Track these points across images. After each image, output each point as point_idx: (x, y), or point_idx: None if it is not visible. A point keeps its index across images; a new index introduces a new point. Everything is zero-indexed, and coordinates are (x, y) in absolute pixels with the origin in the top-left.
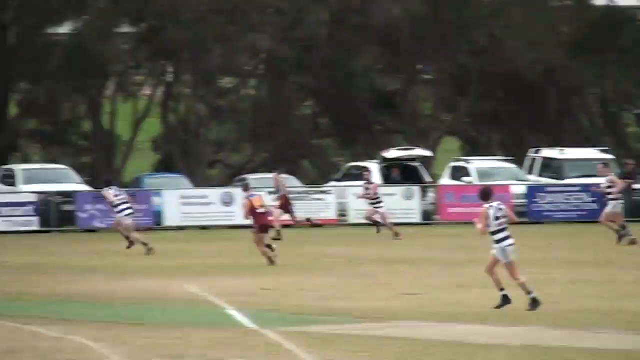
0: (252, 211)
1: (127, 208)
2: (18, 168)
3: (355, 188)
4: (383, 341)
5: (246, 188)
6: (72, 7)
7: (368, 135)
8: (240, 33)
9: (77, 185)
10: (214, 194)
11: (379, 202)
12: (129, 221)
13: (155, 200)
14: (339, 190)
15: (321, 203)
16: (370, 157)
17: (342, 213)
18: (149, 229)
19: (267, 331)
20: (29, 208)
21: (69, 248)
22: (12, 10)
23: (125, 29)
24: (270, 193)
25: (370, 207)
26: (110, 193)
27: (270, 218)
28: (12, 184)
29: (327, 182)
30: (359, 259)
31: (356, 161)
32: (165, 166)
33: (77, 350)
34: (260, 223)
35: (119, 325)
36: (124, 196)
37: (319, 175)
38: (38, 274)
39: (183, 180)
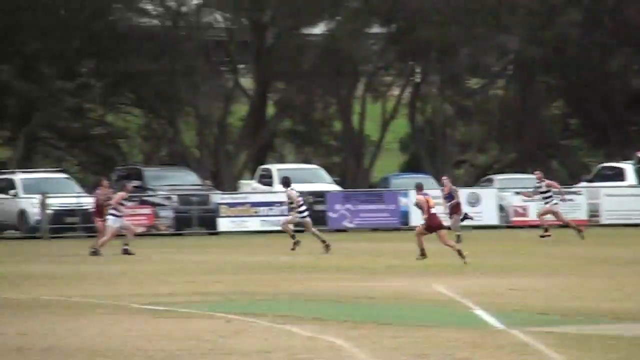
0: (428, 209)
1: (306, 209)
2: (274, 168)
3: (607, 189)
4: (636, 341)
5: (420, 188)
6: (327, 8)
7: (622, 135)
8: (489, 33)
9: (328, 185)
10: (459, 194)
11: (549, 199)
12: (308, 220)
13: (402, 200)
14: (591, 190)
15: (572, 203)
16: (625, 158)
17: (594, 214)
18: (396, 229)
19: (515, 331)
20: (285, 208)
21: (318, 247)
22: (270, 10)
23: (375, 29)
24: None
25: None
26: (294, 193)
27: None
28: (270, 184)
29: (577, 183)
30: (612, 259)
31: (609, 161)
32: (411, 166)
33: (327, 349)
34: (432, 223)
35: (366, 324)
36: (302, 197)
37: (567, 175)
38: (292, 272)
39: (429, 181)
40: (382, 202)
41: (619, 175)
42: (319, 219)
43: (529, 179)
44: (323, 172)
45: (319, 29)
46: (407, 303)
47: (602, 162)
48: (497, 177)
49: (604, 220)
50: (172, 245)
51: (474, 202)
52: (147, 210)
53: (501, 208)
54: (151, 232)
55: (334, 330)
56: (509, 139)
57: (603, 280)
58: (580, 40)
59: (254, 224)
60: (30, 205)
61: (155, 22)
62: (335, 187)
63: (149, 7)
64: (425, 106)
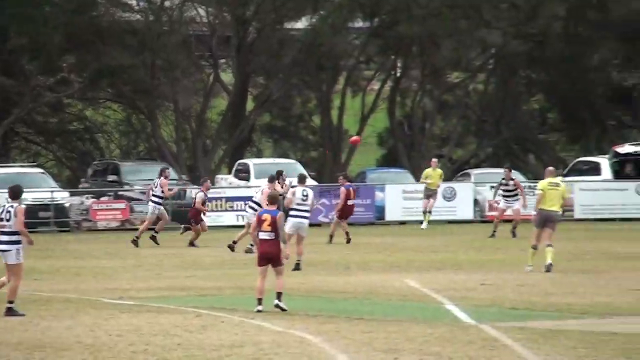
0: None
1: None
2: (251, 162)
3: (581, 183)
4: (606, 337)
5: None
6: (310, 2)
7: (600, 130)
8: (472, 28)
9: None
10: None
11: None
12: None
13: (378, 195)
14: (565, 185)
15: None
16: (602, 152)
17: (568, 208)
18: (371, 224)
19: (485, 326)
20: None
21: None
22: (253, 5)
23: (358, 24)
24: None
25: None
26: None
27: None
28: (246, 179)
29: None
30: (584, 253)
31: (586, 156)
32: (389, 161)
33: (297, 344)
34: (347, 213)
35: (338, 319)
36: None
37: (544, 170)
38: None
39: (406, 175)
40: (357, 196)
41: (594, 169)
42: None
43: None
44: (299, 167)
45: (301, 23)
46: (379, 298)
47: (579, 157)
48: (474, 172)
49: (577, 214)
50: (145, 240)
51: (450, 196)
52: (122, 205)
53: (476, 202)
54: (125, 226)
55: (305, 325)
56: (487, 134)
57: (575, 276)
58: (563, 34)
59: (229, 218)
60: (5, 200)
61: (137, 16)
62: (312, 182)
63: (132, 1)
64: (404, 101)
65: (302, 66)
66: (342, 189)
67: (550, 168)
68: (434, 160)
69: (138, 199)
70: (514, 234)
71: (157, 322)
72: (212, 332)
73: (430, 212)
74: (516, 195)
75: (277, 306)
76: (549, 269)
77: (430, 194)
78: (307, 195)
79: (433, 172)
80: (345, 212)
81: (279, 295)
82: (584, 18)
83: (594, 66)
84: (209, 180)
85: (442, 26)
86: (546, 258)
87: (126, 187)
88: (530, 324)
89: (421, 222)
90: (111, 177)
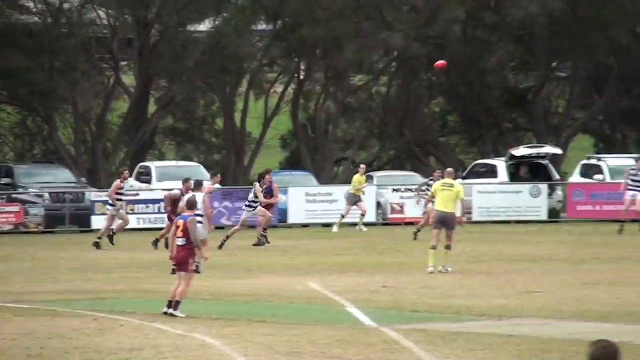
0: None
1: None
2: (153, 165)
3: (480, 185)
4: (502, 339)
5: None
6: (213, 4)
7: (497, 132)
8: (374, 30)
9: (206, 182)
10: (338, 191)
11: None
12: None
13: (281, 197)
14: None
15: None
16: (498, 155)
17: (467, 210)
18: (273, 227)
19: (386, 329)
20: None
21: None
22: (155, 7)
23: (262, 26)
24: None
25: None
26: (258, 188)
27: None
28: (148, 181)
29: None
30: (482, 255)
31: (484, 158)
32: (292, 163)
33: (197, 347)
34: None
35: (240, 322)
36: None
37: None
38: (165, 270)
39: (309, 178)
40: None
41: (491, 172)
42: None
43: (407, 176)
44: (202, 170)
45: (204, 26)
46: (281, 301)
47: (477, 159)
48: (376, 174)
49: (475, 217)
50: (41, 244)
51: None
52: (15, 208)
53: (378, 205)
54: (19, 229)
55: (206, 328)
56: (389, 136)
57: (473, 278)
58: (462, 37)
59: (131, 221)
60: None
61: (35, 18)
62: (217, 185)
63: (30, 3)
64: (308, 103)
65: (205, 69)
66: (275, 185)
67: (449, 169)
68: (362, 166)
69: (33, 202)
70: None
71: (53, 325)
72: (111, 335)
73: (344, 216)
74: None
75: (166, 313)
76: (441, 269)
77: (356, 200)
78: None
79: (361, 178)
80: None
81: (176, 304)
82: (481, 21)
83: (491, 69)
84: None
85: (345, 29)
86: (443, 260)
87: (20, 190)
88: (430, 326)
89: (331, 225)
90: (4, 180)
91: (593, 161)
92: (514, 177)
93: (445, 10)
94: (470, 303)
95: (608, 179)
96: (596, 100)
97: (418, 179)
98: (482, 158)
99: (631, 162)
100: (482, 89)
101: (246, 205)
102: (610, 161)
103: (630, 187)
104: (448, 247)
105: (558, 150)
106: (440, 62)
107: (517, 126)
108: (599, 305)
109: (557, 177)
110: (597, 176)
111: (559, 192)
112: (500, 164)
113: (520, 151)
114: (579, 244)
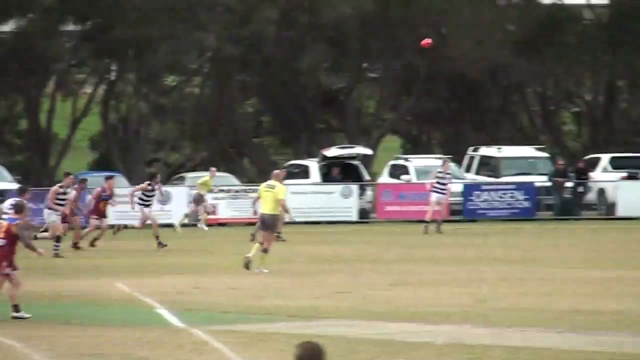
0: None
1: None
2: None
3: (292, 186)
4: (312, 340)
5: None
6: (18, 4)
7: (311, 133)
8: (187, 31)
9: (8, 184)
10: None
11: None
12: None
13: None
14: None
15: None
16: (311, 155)
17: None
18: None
19: (196, 330)
20: None
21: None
22: None
23: (71, 27)
24: None
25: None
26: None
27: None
28: None
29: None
30: (293, 256)
31: (297, 159)
32: (102, 165)
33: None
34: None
35: (45, 324)
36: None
37: (257, 173)
38: None
39: (120, 179)
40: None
41: (304, 172)
42: None
43: (221, 177)
44: (3, 170)
45: (8, 26)
46: (89, 302)
47: (291, 160)
48: (189, 175)
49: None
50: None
51: (165, 200)
52: None
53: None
54: None
55: (11, 330)
56: (203, 138)
57: (286, 279)
58: (276, 38)
59: None
60: None
61: None
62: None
63: None
64: (119, 104)
65: (9, 69)
66: (98, 188)
67: (276, 171)
68: (213, 169)
69: None
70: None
71: None
72: None
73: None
74: None
75: (14, 317)
76: (257, 271)
77: (200, 199)
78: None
79: (211, 180)
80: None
81: (15, 307)
82: (295, 21)
83: (305, 70)
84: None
85: (158, 29)
86: (259, 262)
87: None
88: (240, 327)
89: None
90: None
91: (401, 162)
92: (327, 177)
93: (260, 11)
94: (282, 304)
95: (414, 180)
96: (405, 101)
97: (233, 180)
98: (296, 159)
99: (436, 162)
100: (296, 89)
101: (139, 204)
102: (416, 162)
103: (435, 189)
104: (265, 250)
105: (368, 151)
106: (427, 40)
107: (330, 127)
108: (406, 305)
109: (368, 177)
110: (405, 177)
111: (368, 193)
112: (313, 165)
113: (332, 152)
114: (387, 244)
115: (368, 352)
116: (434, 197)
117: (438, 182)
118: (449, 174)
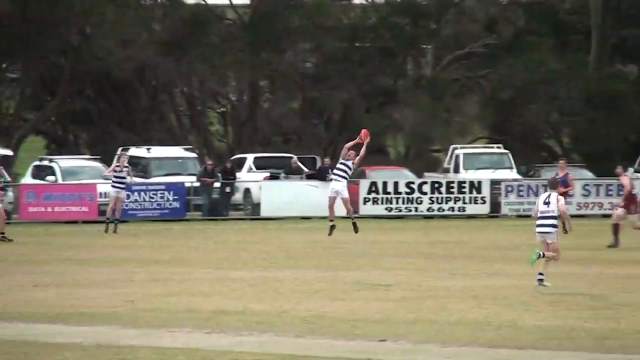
0: None
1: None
2: None
3: None
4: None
5: None
6: None
7: None
8: None
9: None
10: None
11: None
12: None
13: None
14: None
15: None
16: None
17: None
18: None
19: None
20: None
21: None
22: None
23: None
24: None
25: None
26: None
27: None
28: None
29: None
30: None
31: None
32: None
33: None
34: None
35: None
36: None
37: None
38: None
39: None
40: None
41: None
42: None
43: None
44: None
45: None
46: None
47: None
48: None
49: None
50: None
51: None
52: None
53: None
54: None
55: None
56: None
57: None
58: None
59: None
60: None
61: None
62: None
63: None
64: None
65: None
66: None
67: None
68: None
69: None
70: None
71: None
72: None
73: None
74: None
75: None
76: None
77: None
78: None
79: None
80: None
81: None
82: None
83: None
84: None
85: None
86: None
87: None
88: None
89: None
90: None
91: (45, 162)
92: None
93: None
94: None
95: (60, 180)
96: (48, 102)
97: None
98: None
99: (84, 163)
100: None
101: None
102: (62, 162)
103: (115, 185)
104: None
105: (9, 152)
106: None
107: None
108: (51, 306)
109: (9, 179)
110: (50, 177)
111: (10, 194)
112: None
113: None
114: (34, 245)
115: (12, 354)
116: (112, 192)
117: (115, 177)
118: (126, 167)
